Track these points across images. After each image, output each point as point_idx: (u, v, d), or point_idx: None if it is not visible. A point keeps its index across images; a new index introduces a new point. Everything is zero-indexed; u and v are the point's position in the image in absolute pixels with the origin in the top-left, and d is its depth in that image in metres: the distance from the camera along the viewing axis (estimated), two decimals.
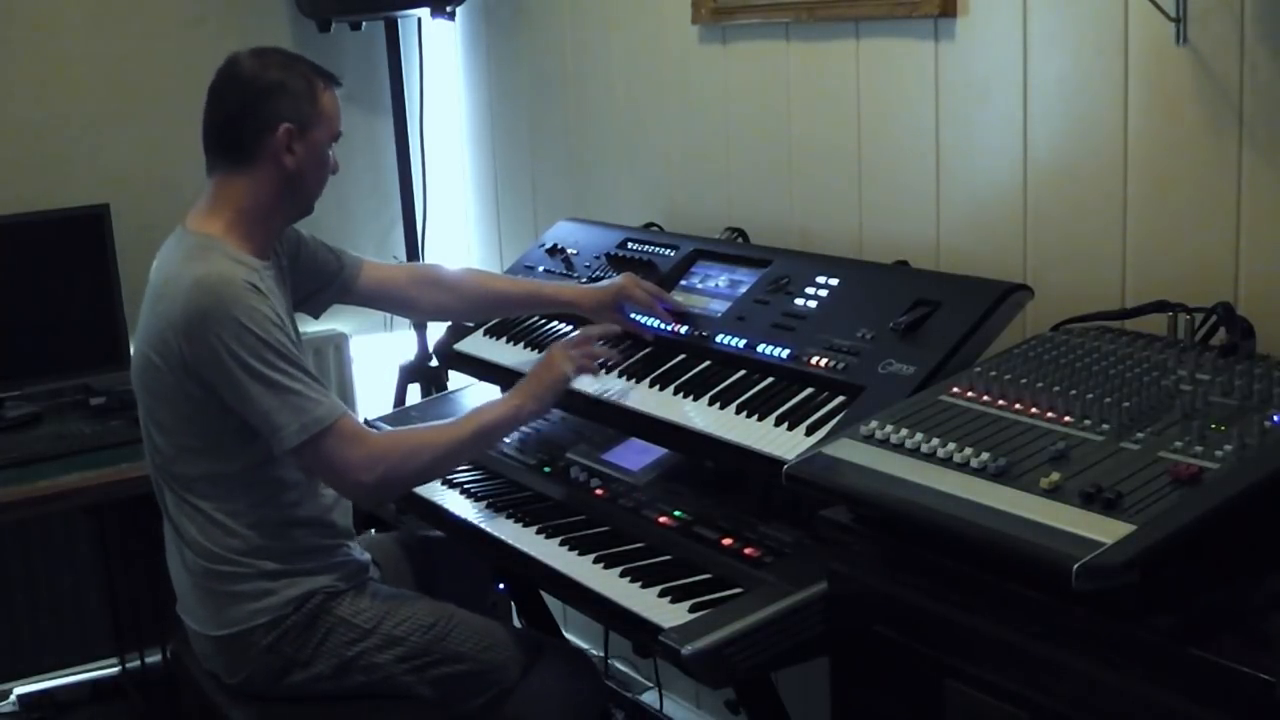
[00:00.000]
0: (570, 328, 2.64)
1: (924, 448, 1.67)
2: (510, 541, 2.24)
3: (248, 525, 2.18)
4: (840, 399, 2.04)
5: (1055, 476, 1.52)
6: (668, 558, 2.08)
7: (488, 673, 2.25)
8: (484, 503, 2.40)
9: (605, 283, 2.56)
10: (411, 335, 3.60)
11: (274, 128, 2.18)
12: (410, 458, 2.20)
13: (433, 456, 2.23)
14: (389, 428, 2.54)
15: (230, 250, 2.17)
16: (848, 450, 1.73)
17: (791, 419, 2.05)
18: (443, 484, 2.51)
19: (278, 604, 2.18)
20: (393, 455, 2.17)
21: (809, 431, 2.01)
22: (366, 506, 2.26)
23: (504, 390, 2.48)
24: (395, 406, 3.41)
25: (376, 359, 3.85)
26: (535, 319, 2.74)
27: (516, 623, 3.04)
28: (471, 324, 2.86)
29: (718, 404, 2.18)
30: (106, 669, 3.60)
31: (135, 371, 2.25)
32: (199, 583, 2.22)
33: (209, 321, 2.07)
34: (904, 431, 1.71)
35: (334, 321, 3.73)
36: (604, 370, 2.40)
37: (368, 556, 2.36)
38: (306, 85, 2.22)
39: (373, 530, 2.88)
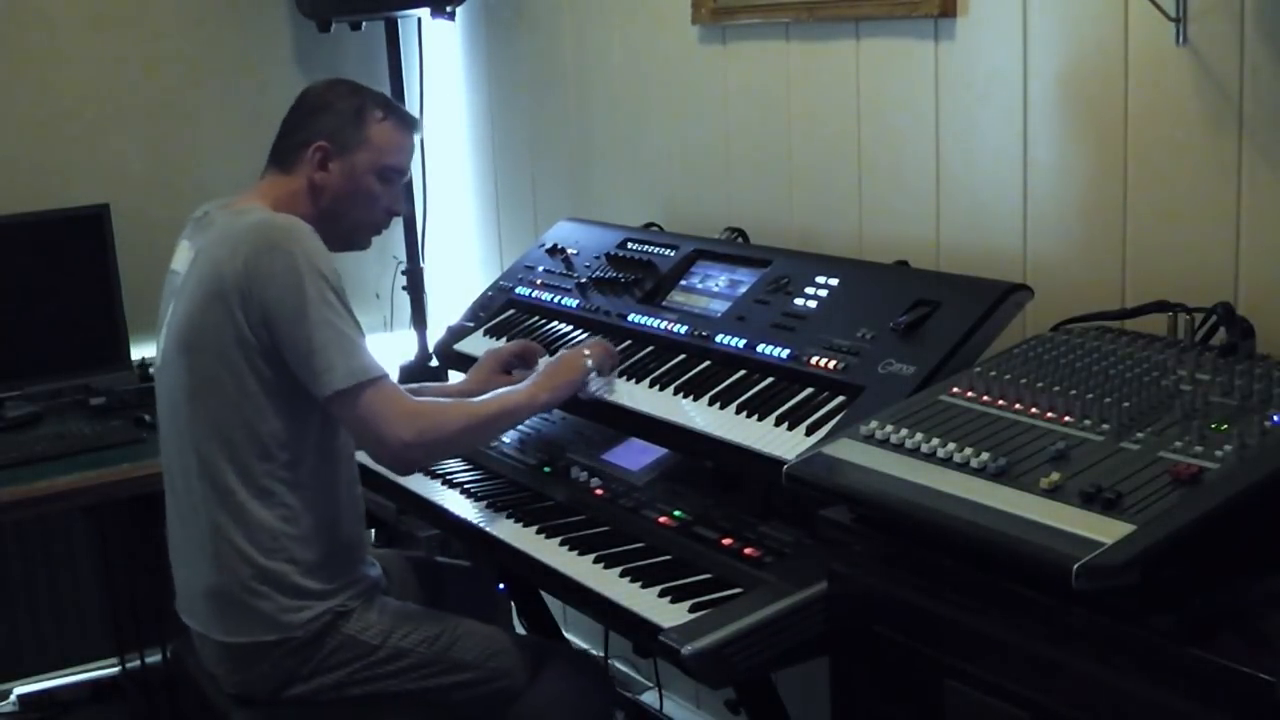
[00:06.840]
0: (570, 328, 2.65)
1: (924, 448, 1.67)
2: (510, 541, 2.24)
3: (296, 538, 2.15)
4: (840, 399, 2.04)
5: (1055, 476, 1.52)
6: (668, 558, 2.08)
7: (493, 680, 2.24)
8: (484, 503, 2.40)
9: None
10: (412, 335, 3.60)
11: (309, 142, 2.27)
12: (446, 420, 2.17)
13: (465, 423, 2.20)
14: None
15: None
16: (848, 450, 1.73)
17: (791, 419, 2.05)
18: (442, 484, 2.51)
19: (289, 624, 2.14)
20: (430, 415, 2.16)
21: (809, 431, 2.01)
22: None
23: None
24: None
25: (376, 358, 3.83)
26: (535, 321, 2.74)
27: (517, 623, 3.04)
28: (471, 324, 2.86)
29: (718, 404, 2.18)
30: (106, 669, 3.60)
31: (170, 356, 2.18)
32: (216, 588, 2.16)
33: (279, 251, 2.08)
34: (904, 431, 1.71)
35: None
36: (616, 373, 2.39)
37: (379, 570, 2.34)
38: (355, 110, 2.29)
39: (371, 532, 2.87)
